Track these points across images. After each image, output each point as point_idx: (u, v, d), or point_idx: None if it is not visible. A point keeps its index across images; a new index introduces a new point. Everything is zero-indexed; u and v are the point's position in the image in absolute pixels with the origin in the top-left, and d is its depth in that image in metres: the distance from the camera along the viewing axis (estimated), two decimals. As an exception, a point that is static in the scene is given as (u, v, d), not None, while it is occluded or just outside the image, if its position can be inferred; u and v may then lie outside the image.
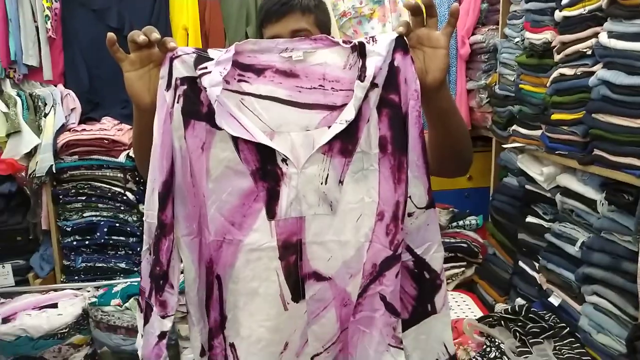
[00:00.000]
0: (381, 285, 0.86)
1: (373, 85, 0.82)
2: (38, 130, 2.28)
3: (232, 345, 0.91)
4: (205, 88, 0.81)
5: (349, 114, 0.82)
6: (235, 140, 0.83)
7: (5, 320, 1.96)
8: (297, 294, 0.87)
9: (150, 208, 0.85)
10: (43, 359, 1.98)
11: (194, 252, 0.88)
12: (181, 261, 0.88)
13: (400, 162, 0.83)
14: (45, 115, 2.30)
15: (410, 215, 0.85)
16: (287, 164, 0.84)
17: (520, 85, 1.94)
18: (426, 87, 0.84)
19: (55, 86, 2.39)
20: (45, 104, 2.32)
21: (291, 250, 0.85)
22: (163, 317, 0.87)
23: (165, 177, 0.84)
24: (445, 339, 0.92)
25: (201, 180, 0.85)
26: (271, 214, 0.85)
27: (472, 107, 2.51)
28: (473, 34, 2.40)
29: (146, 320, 0.90)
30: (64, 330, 1.99)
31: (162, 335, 0.88)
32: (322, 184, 0.84)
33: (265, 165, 0.84)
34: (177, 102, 0.83)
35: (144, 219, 0.87)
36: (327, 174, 0.84)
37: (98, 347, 2.07)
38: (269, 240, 0.85)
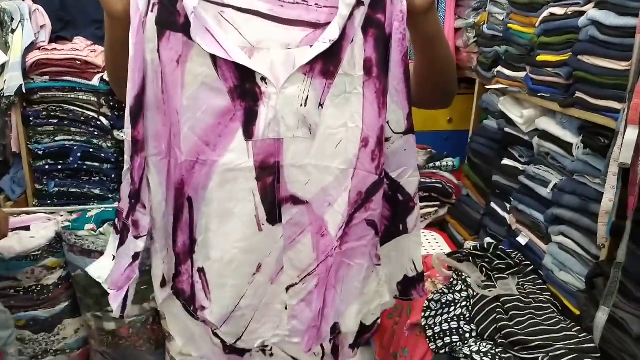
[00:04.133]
0: (368, 211, 0.87)
1: (359, 3, 0.78)
2: (5, 47, 2.16)
3: (200, 270, 0.90)
4: None
5: (332, 33, 0.78)
6: (214, 55, 0.78)
7: (-24, 240, 1.94)
8: (273, 217, 0.86)
9: (128, 126, 0.82)
10: (16, 279, 1.98)
11: (162, 174, 0.85)
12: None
13: (386, 86, 0.81)
14: (13, 31, 2.16)
15: (387, 140, 0.84)
16: (266, 83, 0.80)
17: (509, 25, 1.90)
18: (414, 9, 0.80)
19: (23, 0, 2.24)
20: (13, 19, 2.18)
21: (268, 172, 0.83)
22: (136, 237, 0.86)
23: (137, 91, 0.80)
24: (414, 257, 0.96)
25: (175, 96, 0.81)
26: (248, 134, 0.82)
27: (458, 46, 2.45)
28: (465, -31, 2.32)
29: (122, 242, 0.88)
30: (37, 253, 1.98)
31: (135, 257, 0.87)
32: (301, 105, 0.81)
33: (244, 84, 0.80)
34: (152, 11, 0.78)
35: (124, 138, 0.84)
36: (307, 96, 0.81)
37: (72, 270, 2.07)
38: (246, 160, 0.82)
